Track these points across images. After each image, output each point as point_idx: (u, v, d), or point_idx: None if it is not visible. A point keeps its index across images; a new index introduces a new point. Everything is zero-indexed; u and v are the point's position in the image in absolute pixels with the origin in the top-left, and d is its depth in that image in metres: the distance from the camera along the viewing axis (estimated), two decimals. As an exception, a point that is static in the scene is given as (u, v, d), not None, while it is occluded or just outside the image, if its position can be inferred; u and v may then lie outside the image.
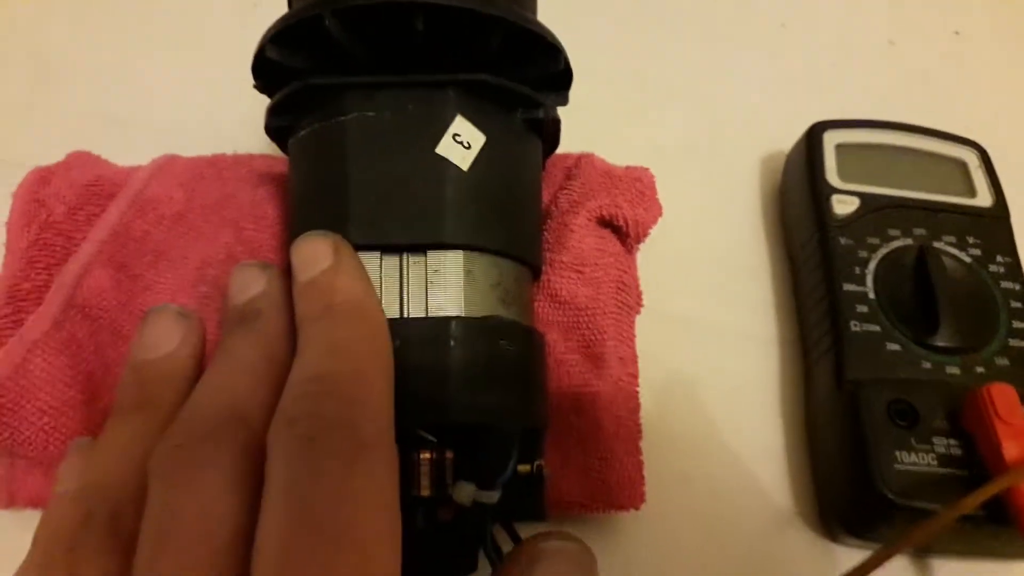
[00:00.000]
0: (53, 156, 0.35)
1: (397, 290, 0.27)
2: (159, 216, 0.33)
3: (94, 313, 0.30)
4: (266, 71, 0.29)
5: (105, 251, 0.32)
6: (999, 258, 0.36)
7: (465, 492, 0.26)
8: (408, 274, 0.27)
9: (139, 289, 0.31)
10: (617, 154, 0.38)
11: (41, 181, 0.34)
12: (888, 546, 0.27)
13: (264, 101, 0.30)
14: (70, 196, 0.33)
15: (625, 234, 0.34)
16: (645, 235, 0.34)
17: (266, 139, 0.31)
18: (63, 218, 0.33)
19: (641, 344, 0.35)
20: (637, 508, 0.31)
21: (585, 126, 0.35)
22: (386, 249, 0.27)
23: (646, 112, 0.45)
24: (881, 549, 0.27)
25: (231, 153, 0.36)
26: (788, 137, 0.41)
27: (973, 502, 0.28)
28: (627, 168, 0.35)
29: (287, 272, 0.31)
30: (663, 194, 0.37)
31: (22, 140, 0.41)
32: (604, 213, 0.33)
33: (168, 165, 0.35)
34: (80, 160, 0.35)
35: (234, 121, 0.39)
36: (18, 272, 0.32)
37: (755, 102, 0.46)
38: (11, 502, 0.30)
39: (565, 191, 0.34)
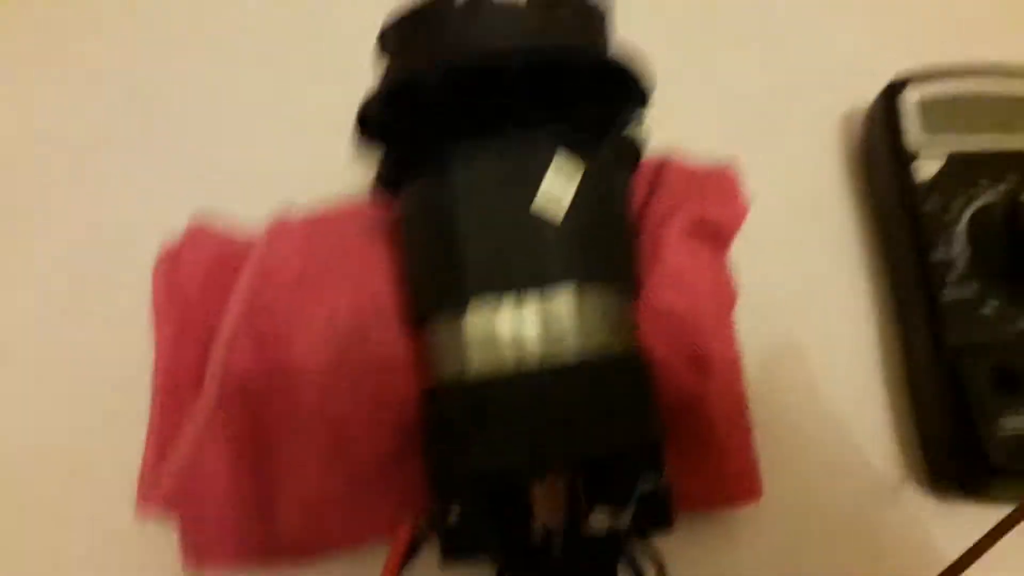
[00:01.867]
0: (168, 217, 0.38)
1: (518, 335, 0.29)
2: (281, 282, 0.36)
3: (246, 391, 0.33)
4: (370, 124, 0.32)
5: (243, 324, 0.35)
6: (1094, 204, 0.36)
7: (600, 520, 0.29)
8: (526, 317, 0.29)
9: (280, 354, 0.35)
10: (684, 127, 0.38)
11: (172, 262, 0.37)
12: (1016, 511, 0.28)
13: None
14: (200, 273, 0.37)
15: (715, 237, 0.35)
16: (734, 235, 0.36)
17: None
18: (198, 295, 0.36)
19: (739, 330, 0.37)
20: (756, 500, 0.33)
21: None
22: (502, 294, 0.29)
23: (715, 68, 0.44)
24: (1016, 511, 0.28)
25: (342, 205, 0.39)
26: (869, 92, 0.41)
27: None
28: (710, 167, 0.36)
29: (403, 319, 0.34)
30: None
31: (140, 206, 0.43)
32: (694, 221, 0.35)
33: (281, 228, 0.37)
34: (200, 234, 0.38)
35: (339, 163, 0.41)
36: (170, 356, 0.36)
37: (828, 56, 0.45)
38: (198, 565, 0.34)
39: (653, 202, 0.35)
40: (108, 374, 0.39)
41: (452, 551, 0.31)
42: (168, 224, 0.38)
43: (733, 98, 0.44)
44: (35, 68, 0.47)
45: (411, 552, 0.30)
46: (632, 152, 0.33)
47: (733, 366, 0.34)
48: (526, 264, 0.29)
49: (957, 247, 0.36)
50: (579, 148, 0.30)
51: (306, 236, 0.37)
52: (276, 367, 0.34)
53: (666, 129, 0.38)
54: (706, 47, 0.45)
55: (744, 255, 0.38)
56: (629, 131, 0.32)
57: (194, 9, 0.48)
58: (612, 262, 0.31)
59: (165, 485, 0.32)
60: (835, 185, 0.42)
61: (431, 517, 0.31)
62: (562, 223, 0.29)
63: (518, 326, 0.29)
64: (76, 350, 0.40)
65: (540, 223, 0.29)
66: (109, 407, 0.38)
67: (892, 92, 0.39)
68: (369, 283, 0.36)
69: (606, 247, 0.31)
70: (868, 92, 0.41)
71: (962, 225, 0.36)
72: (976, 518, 0.29)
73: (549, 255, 0.29)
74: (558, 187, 0.29)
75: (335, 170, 0.41)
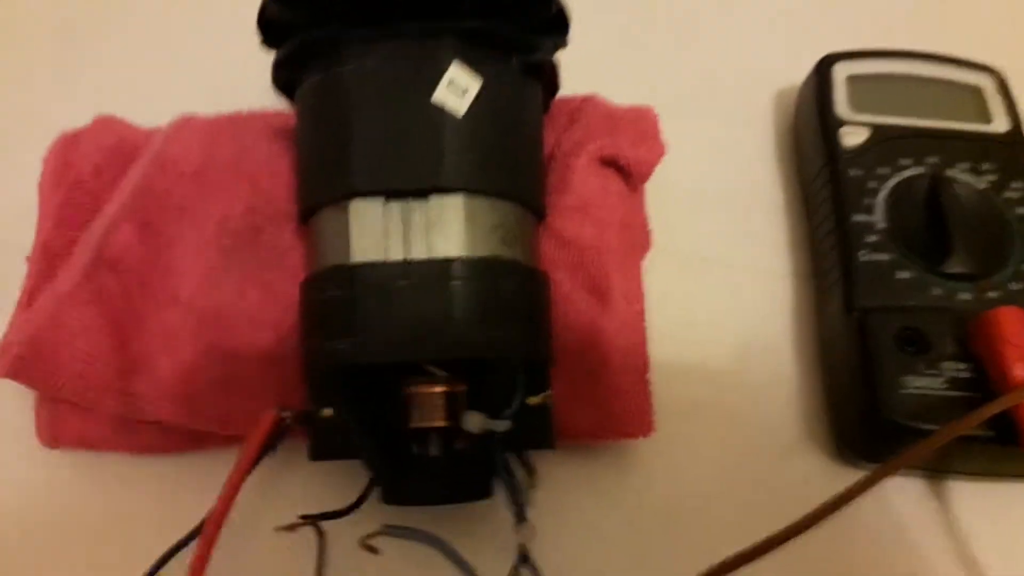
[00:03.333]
0: (77, 120, 0.37)
1: (401, 234, 0.28)
2: (179, 173, 0.34)
3: (121, 267, 0.32)
4: (271, 27, 0.30)
5: (129, 208, 0.33)
6: (1014, 184, 0.36)
7: (475, 421, 0.27)
8: (411, 218, 0.28)
9: (163, 245, 0.33)
10: (625, 95, 0.38)
11: (69, 144, 0.36)
12: (885, 465, 0.28)
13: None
14: (97, 158, 0.35)
15: (628, 174, 0.34)
16: (648, 174, 0.35)
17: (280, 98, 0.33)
18: (90, 178, 0.35)
19: (655, 282, 0.36)
20: (646, 436, 0.32)
21: (587, 67, 0.35)
22: (389, 195, 0.28)
23: (653, 49, 0.45)
24: (879, 468, 0.28)
25: (247, 111, 0.37)
26: (802, 71, 0.41)
27: (974, 420, 0.28)
28: (629, 108, 0.36)
29: (292, 217, 0.33)
30: (674, 133, 0.37)
31: (48, 105, 0.42)
32: (605, 153, 0.34)
33: (186, 124, 0.36)
34: (105, 123, 0.37)
35: (252, 78, 0.40)
36: (51, 230, 0.34)
37: (768, 35, 0.45)
38: (56, 443, 0.33)
39: (567, 133, 0.34)
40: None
41: (322, 450, 0.29)
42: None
43: (670, 82, 0.44)
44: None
45: (270, 444, 0.28)
46: (545, 76, 0.32)
47: (634, 302, 0.33)
48: (414, 166, 0.28)
49: (877, 214, 0.35)
50: (481, 57, 0.29)
51: (210, 132, 0.36)
52: (158, 253, 0.33)
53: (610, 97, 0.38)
54: (643, 38, 0.45)
55: (670, 215, 0.38)
56: (541, 54, 0.31)
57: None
58: (508, 176, 0.30)
59: (19, 343, 0.29)
60: (765, 155, 0.42)
61: (301, 413, 0.29)
62: (456, 131, 0.28)
63: (405, 223, 0.28)
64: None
65: (433, 128, 0.28)
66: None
67: (824, 66, 0.39)
68: (266, 184, 0.34)
69: (504, 162, 0.29)
70: (798, 74, 0.41)
71: (883, 195, 0.36)
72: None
73: (440, 160, 0.28)
74: (453, 94, 0.28)
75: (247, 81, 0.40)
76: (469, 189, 0.28)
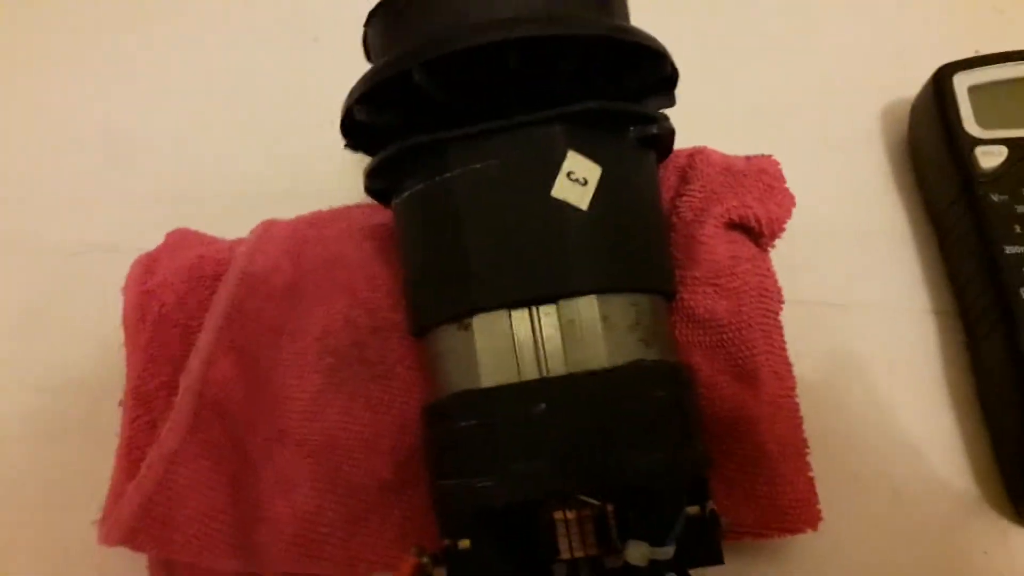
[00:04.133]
0: (150, 235, 0.35)
1: (533, 349, 0.25)
2: (270, 291, 0.32)
3: (225, 408, 0.30)
4: (357, 130, 0.28)
5: (224, 338, 0.31)
6: None
7: (639, 553, 0.24)
8: (541, 329, 0.25)
9: (263, 373, 0.31)
10: (719, 128, 0.35)
11: (147, 271, 0.33)
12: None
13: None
14: (178, 283, 0.33)
15: (759, 234, 0.31)
16: (780, 231, 0.31)
17: (356, 190, 0.30)
18: (173, 309, 0.32)
19: (787, 339, 0.32)
20: (815, 528, 0.29)
21: (684, 101, 0.31)
22: (515, 306, 0.25)
23: (745, 74, 0.41)
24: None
25: (327, 209, 0.35)
26: (906, 84, 0.38)
27: None
28: (748, 159, 0.32)
29: (403, 328, 0.30)
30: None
31: (107, 222, 0.40)
32: (734, 216, 0.30)
33: (267, 233, 0.34)
34: (181, 240, 0.35)
35: (326, 175, 0.38)
36: (142, 372, 0.31)
37: (868, 44, 0.41)
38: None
39: (686, 197, 0.31)
40: (78, 392, 0.36)
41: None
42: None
43: (767, 99, 0.40)
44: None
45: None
46: (659, 144, 0.29)
47: (784, 380, 0.30)
48: (540, 272, 0.25)
49: (1032, 242, 0.32)
50: (596, 139, 0.26)
51: (295, 239, 0.33)
52: (259, 384, 0.30)
53: (699, 131, 0.34)
54: (735, 48, 0.42)
55: (788, 259, 0.34)
56: (659, 124, 0.28)
57: (175, 18, 0.46)
58: (640, 266, 0.27)
59: (128, 512, 0.27)
60: (881, 182, 0.38)
61: (437, 552, 0.26)
62: (581, 227, 0.25)
63: (536, 337, 0.25)
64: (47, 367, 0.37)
65: (554, 224, 0.25)
66: (79, 426, 0.35)
67: (942, 77, 0.36)
68: (364, 293, 0.32)
69: (632, 250, 0.27)
70: (904, 87, 0.38)
71: (1035, 218, 0.32)
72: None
73: (565, 261, 0.25)
74: (573, 186, 0.25)
75: (325, 184, 0.38)
76: (602, 288, 0.25)
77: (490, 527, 0.26)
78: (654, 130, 0.27)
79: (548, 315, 0.25)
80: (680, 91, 0.30)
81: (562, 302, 0.25)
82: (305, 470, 0.29)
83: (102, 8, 0.46)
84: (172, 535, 0.28)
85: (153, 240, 0.35)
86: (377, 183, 0.28)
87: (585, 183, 0.25)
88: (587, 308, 0.25)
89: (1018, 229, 0.32)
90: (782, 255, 0.34)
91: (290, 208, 0.35)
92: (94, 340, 0.36)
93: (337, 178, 0.37)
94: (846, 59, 0.41)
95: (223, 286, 0.32)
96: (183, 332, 0.32)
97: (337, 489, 0.29)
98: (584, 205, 0.25)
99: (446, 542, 0.26)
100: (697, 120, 0.35)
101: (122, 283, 0.33)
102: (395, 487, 0.30)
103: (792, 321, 0.33)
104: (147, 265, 0.33)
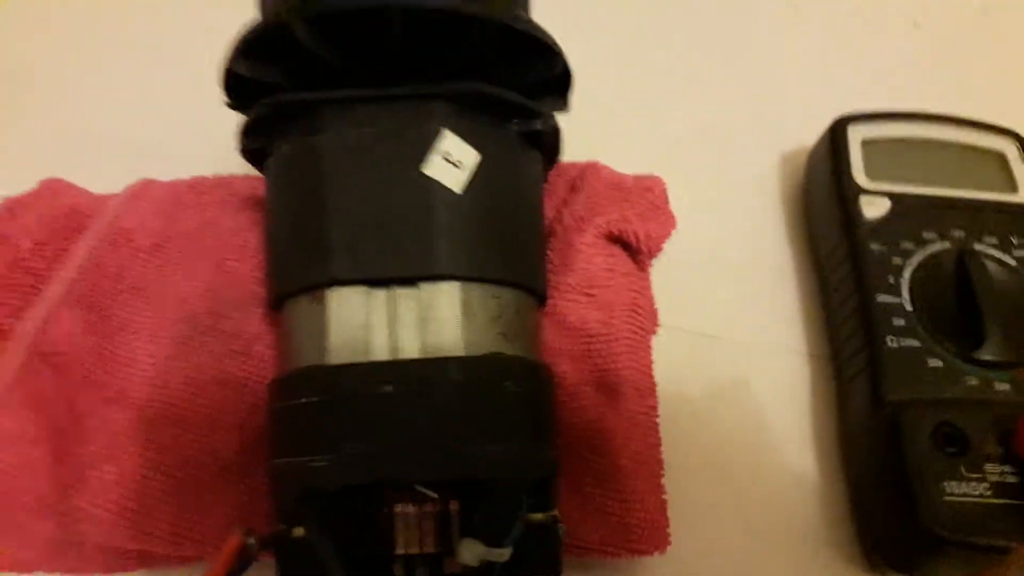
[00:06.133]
0: (24, 182, 0.33)
1: (387, 329, 0.24)
2: (134, 249, 0.31)
3: (62, 361, 0.28)
4: (239, 87, 0.27)
5: (74, 291, 0.29)
6: (1048, 258, 0.33)
7: (472, 551, 0.23)
8: (398, 310, 0.24)
9: (112, 331, 0.29)
10: (622, 158, 0.35)
11: (8, 214, 0.31)
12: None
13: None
14: (38, 230, 0.31)
15: (637, 250, 0.31)
16: (658, 250, 0.32)
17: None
18: (30, 255, 0.30)
19: (658, 363, 0.32)
20: (662, 551, 0.28)
21: (586, 128, 0.32)
22: (373, 283, 0.24)
23: (651, 111, 0.41)
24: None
25: (212, 176, 0.34)
26: (809, 132, 0.38)
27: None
28: (636, 177, 0.32)
29: (262, 301, 0.29)
30: (675, 200, 0.34)
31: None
32: (613, 229, 0.30)
33: (144, 191, 0.32)
34: (52, 189, 0.33)
35: (217, 140, 0.36)
36: None
37: (770, 94, 0.42)
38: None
39: (569, 206, 0.31)
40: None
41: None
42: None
43: (671, 134, 0.41)
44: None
45: (235, 573, 0.24)
46: (546, 143, 0.29)
47: (645, 398, 0.30)
48: (403, 250, 0.24)
49: (903, 294, 0.32)
50: (477, 125, 0.25)
51: (169, 200, 0.32)
52: (105, 342, 0.29)
53: (601, 154, 0.35)
54: (641, 98, 0.42)
55: (672, 287, 0.34)
56: (544, 120, 0.27)
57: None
58: (508, 260, 0.26)
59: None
60: (773, 222, 0.39)
61: (269, 536, 0.24)
62: (451, 210, 0.25)
63: (391, 316, 0.24)
64: None
65: (422, 203, 0.24)
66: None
67: (838, 128, 0.36)
68: (232, 263, 0.31)
69: (502, 243, 0.26)
70: (805, 134, 0.39)
71: (908, 272, 0.33)
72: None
73: (430, 243, 0.24)
74: (447, 167, 0.25)
75: (210, 144, 0.36)
76: (466, 276, 0.24)
77: (325, 515, 0.24)
78: (538, 126, 0.27)
79: (406, 297, 0.24)
80: (587, 113, 0.30)
81: (422, 284, 0.24)
82: (140, 437, 0.28)
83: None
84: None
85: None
86: (251, 142, 0.27)
87: (460, 166, 0.25)
88: (448, 294, 0.24)
89: (891, 280, 0.32)
90: (667, 282, 0.35)
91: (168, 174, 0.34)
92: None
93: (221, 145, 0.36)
94: (754, 104, 0.42)
95: (84, 238, 0.31)
96: (35, 281, 0.30)
97: (171, 461, 0.27)
98: (458, 189, 0.24)
99: (280, 527, 0.25)
100: (600, 143, 0.36)
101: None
102: (237, 469, 0.28)
103: (667, 347, 0.33)
104: (10, 208, 0.32)
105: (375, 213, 0.24)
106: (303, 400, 0.24)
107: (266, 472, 0.27)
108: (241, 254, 0.31)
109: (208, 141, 0.36)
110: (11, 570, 0.28)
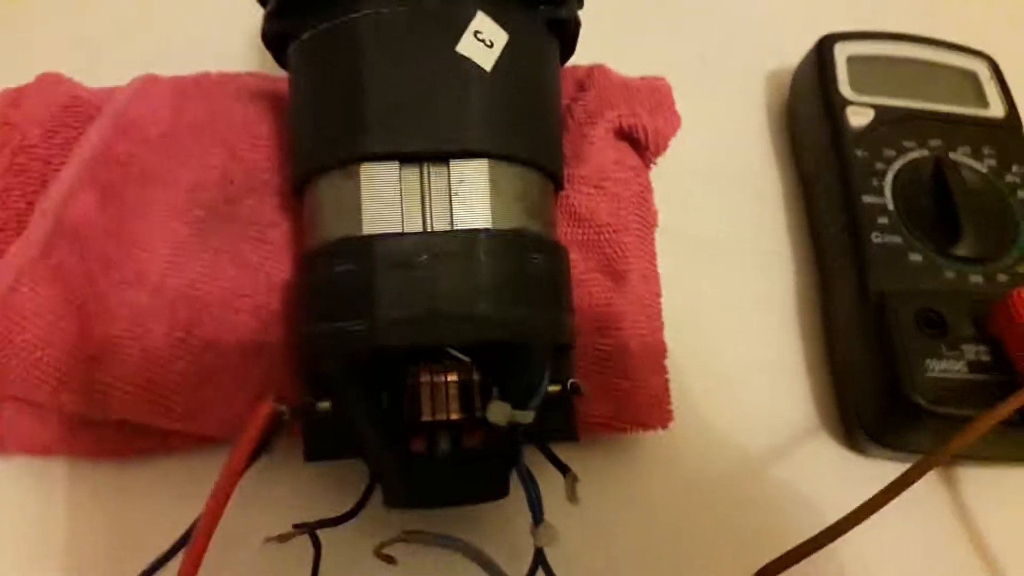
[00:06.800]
0: (19, 78, 0.33)
1: (419, 202, 0.25)
2: (144, 136, 0.31)
3: (82, 239, 0.28)
4: None
5: (89, 174, 0.29)
6: (1015, 167, 0.36)
7: (500, 412, 0.24)
8: (430, 185, 0.25)
9: (127, 213, 0.29)
10: (619, 68, 0.36)
11: (11, 103, 0.31)
12: (930, 455, 0.27)
13: (248, 14, 0.28)
14: (45, 118, 0.31)
15: (644, 147, 0.32)
16: (665, 147, 0.33)
17: (254, 60, 0.29)
18: (39, 141, 0.30)
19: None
20: (665, 427, 0.30)
21: (587, 40, 0.33)
22: (405, 158, 0.25)
23: (646, 33, 0.43)
24: (923, 459, 0.26)
25: (216, 72, 0.34)
26: (792, 52, 0.40)
27: (1012, 406, 0.27)
28: (643, 78, 0.34)
29: (282, 192, 0.30)
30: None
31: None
32: (623, 124, 0.32)
33: (150, 84, 0.32)
34: (52, 81, 0.32)
35: (218, 39, 0.36)
36: None
37: (757, 15, 0.44)
38: (1, 447, 0.28)
39: (581, 102, 0.32)
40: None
41: (319, 450, 0.26)
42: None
43: (665, 56, 0.41)
44: None
45: (265, 443, 0.25)
46: (563, 34, 0.30)
47: (650, 284, 0.31)
48: (436, 126, 0.25)
49: (886, 196, 0.34)
50: (508, 9, 0.26)
51: (178, 93, 0.32)
52: (121, 224, 0.29)
53: None
54: (639, 13, 0.43)
55: (668, 193, 0.36)
56: (568, 8, 0.28)
57: None
58: (534, 142, 0.27)
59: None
60: (761, 136, 0.40)
61: (296, 407, 0.25)
62: (482, 89, 0.25)
63: (424, 190, 0.25)
64: None
65: (456, 81, 0.25)
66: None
67: (825, 46, 0.38)
68: (245, 151, 0.31)
69: (529, 125, 0.27)
70: (790, 54, 0.40)
71: (890, 177, 0.35)
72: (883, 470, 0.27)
73: (463, 120, 0.25)
74: (479, 46, 0.25)
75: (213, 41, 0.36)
76: (495, 154, 0.25)
77: (355, 386, 0.25)
78: (563, 14, 0.27)
79: (438, 172, 0.25)
80: (590, 25, 0.31)
81: (453, 161, 0.25)
82: (159, 315, 0.28)
83: None
84: (8, 361, 0.26)
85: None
86: (278, 24, 0.27)
87: (491, 46, 0.25)
88: (478, 170, 0.25)
89: (875, 183, 0.34)
90: (662, 187, 0.36)
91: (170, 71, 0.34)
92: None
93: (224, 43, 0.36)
94: (741, 26, 0.43)
95: (94, 126, 0.30)
96: (43, 167, 0.30)
97: (192, 340, 0.28)
98: (488, 67, 0.25)
99: (306, 400, 0.26)
100: (600, 55, 0.36)
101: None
102: (255, 347, 0.29)
103: (663, 246, 0.35)
104: (13, 98, 0.31)
105: (409, 90, 0.25)
106: (338, 268, 0.25)
107: (295, 346, 0.28)
108: (254, 144, 0.31)
109: (211, 41, 0.37)
110: (27, 450, 0.29)
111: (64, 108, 0.31)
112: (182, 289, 0.28)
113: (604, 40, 0.37)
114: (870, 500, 0.25)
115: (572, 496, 0.25)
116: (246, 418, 0.24)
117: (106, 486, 0.29)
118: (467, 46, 0.25)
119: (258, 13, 0.29)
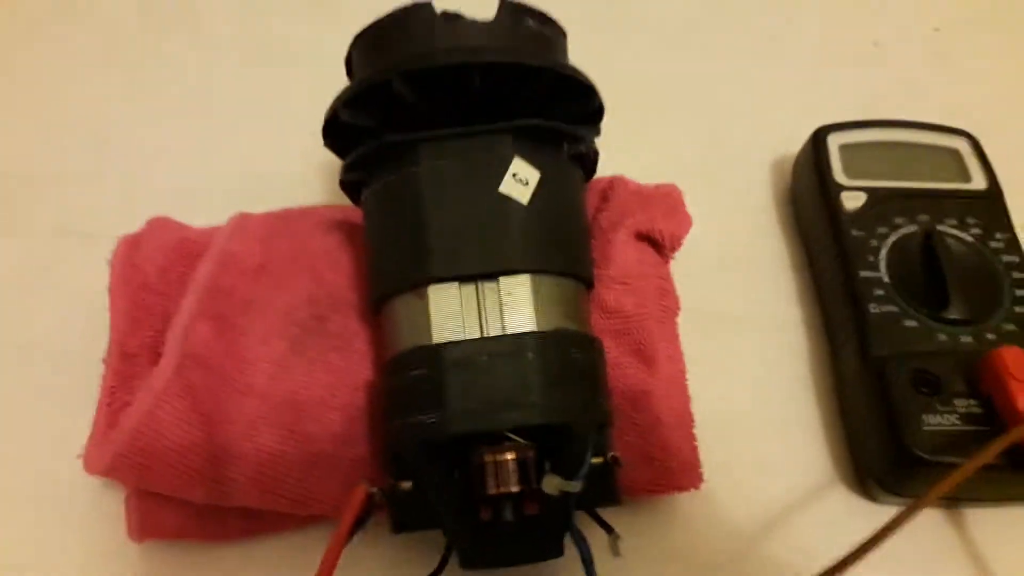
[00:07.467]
0: (132, 225, 0.39)
1: (476, 313, 0.31)
2: (241, 269, 0.37)
3: (204, 360, 0.34)
4: (336, 131, 0.33)
5: (203, 305, 0.35)
6: (998, 235, 0.40)
7: (553, 484, 0.29)
8: (484, 299, 0.31)
9: (237, 335, 0.35)
10: (638, 172, 0.42)
11: (132, 247, 0.38)
12: (917, 499, 0.31)
13: (320, 157, 0.34)
14: (160, 258, 0.37)
15: (661, 245, 0.38)
16: (679, 245, 0.38)
17: (322, 194, 0.36)
18: (156, 279, 0.37)
19: (683, 342, 0.39)
20: (697, 488, 0.35)
21: (606, 149, 0.38)
22: (463, 279, 0.31)
23: (657, 131, 0.49)
24: (912, 503, 0.31)
25: (297, 207, 0.40)
26: (791, 141, 0.45)
27: (992, 451, 0.31)
28: (656, 186, 0.39)
29: (361, 308, 0.35)
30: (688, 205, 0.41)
31: (105, 210, 0.45)
32: (641, 228, 0.37)
33: (243, 222, 0.39)
34: (162, 224, 0.39)
35: (294, 178, 0.43)
36: (124, 331, 0.36)
37: (756, 112, 0.50)
38: (145, 535, 0.34)
39: (604, 212, 0.38)
40: (61, 355, 0.40)
41: (404, 523, 0.31)
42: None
43: (678, 151, 0.48)
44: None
45: (362, 520, 0.30)
46: (586, 163, 0.36)
47: (676, 363, 0.36)
48: (486, 253, 0.31)
49: (881, 270, 0.39)
50: (537, 150, 0.32)
51: (268, 229, 0.38)
52: (232, 345, 0.35)
53: (619, 170, 0.41)
54: (648, 120, 0.49)
55: (689, 279, 0.41)
56: (587, 144, 0.35)
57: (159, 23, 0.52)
58: (567, 255, 0.33)
59: (117, 441, 0.31)
60: (768, 220, 0.46)
61: (384, 489, 0.31)
62: (521, 218, 0.31)
63: (480, 304, 0.31)
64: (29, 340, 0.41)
65: (500, 215, 0.31)
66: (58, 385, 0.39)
67: (819, 137, 0.44)
68: (327, 276, 0.37)
69: (561, 243, 0.33)
70: (791, 144, 0.46)
71: (884, 252, 0.39)
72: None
73: (507, 245, 0.31)
74: (517, 185, 0.31)
75: (298, 180, 0.43)
76: (535, 269, 0.31)
77: (431, 468, 0.31)
78: (583, 149, 0.33)
79: (491, 288, 0.31)
80: (607, 136, 0.37)
81: (502, 278, 0.31)
82: (267, 419, 0.33)
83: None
84: (152, 464, 0.32)
85: (125, 229, 0.39)
86: (352, 175, 0.34)
87: (527, 183, 0.31)
88: (523, 284, 0.31)
89: (871, 258, 0.39)
90: (685, 274, 0.41)
91: (258, 208, 0.41)
92: (77, 313, 0.40)
93: (302, 183, 0.43)
94: (744, 121, 0.49)
95: (203, 262, 0.37)
96: (163, 300, 0.37)
97: (296, 437, 0.33)
98: (525, 201, 0.31)
99: (391, 482, 0.31)
100: (619, 160, 0.42)
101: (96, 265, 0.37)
102: (345, 439, 0.34)
103: (690, 327, 0.40)
104: (132, 242, 0.38)
105: (463, 224, 0.31)
106: (413, 372, 0.30)
107: (377, 436, 0.33)
108: (336, 268, 0.37)
109: (288, 180, 0.44)
110: (170, 537, 0.35)
111: (174, 248, 0.38)
112: (285, 395, 0.34)
113: (620, 146, 0.43)
114: (866, 541, 0.29)
115: (615, 551, 0.30)
116: (345, 500, 0.29)
117: (231, 566, 0.35)
118: (507, 186, 0.31)
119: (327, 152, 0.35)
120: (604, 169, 0.41)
